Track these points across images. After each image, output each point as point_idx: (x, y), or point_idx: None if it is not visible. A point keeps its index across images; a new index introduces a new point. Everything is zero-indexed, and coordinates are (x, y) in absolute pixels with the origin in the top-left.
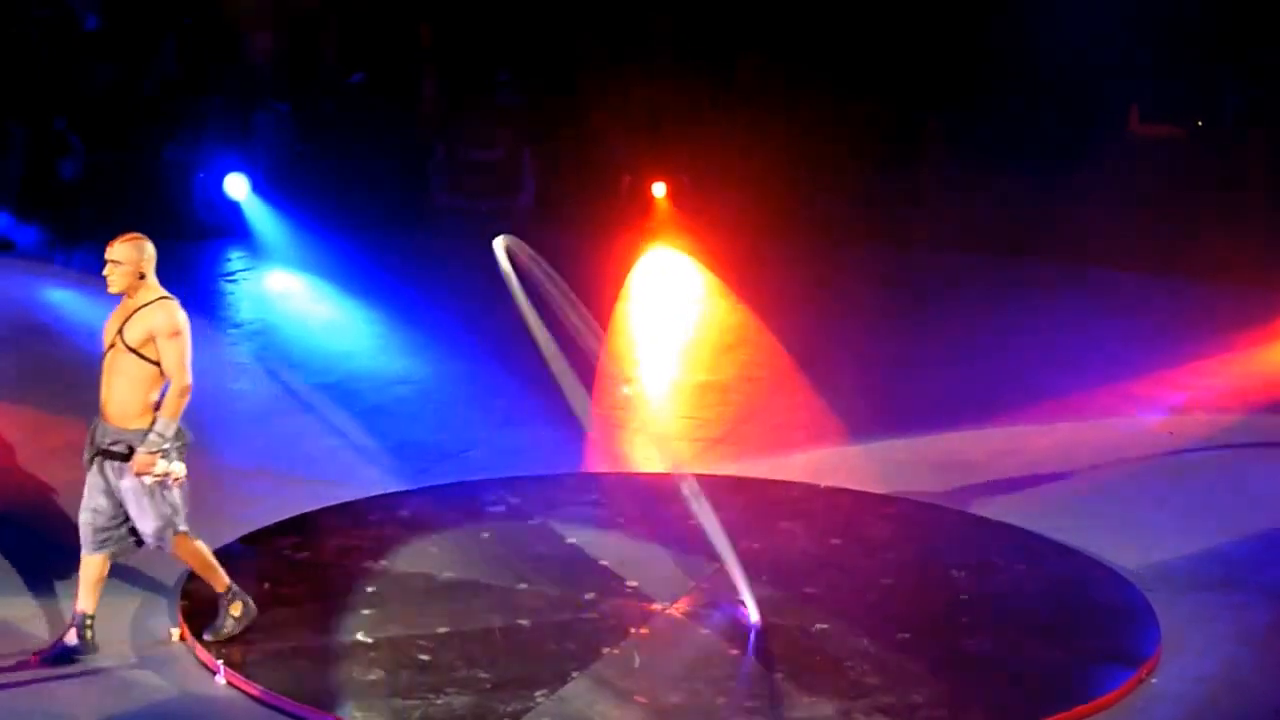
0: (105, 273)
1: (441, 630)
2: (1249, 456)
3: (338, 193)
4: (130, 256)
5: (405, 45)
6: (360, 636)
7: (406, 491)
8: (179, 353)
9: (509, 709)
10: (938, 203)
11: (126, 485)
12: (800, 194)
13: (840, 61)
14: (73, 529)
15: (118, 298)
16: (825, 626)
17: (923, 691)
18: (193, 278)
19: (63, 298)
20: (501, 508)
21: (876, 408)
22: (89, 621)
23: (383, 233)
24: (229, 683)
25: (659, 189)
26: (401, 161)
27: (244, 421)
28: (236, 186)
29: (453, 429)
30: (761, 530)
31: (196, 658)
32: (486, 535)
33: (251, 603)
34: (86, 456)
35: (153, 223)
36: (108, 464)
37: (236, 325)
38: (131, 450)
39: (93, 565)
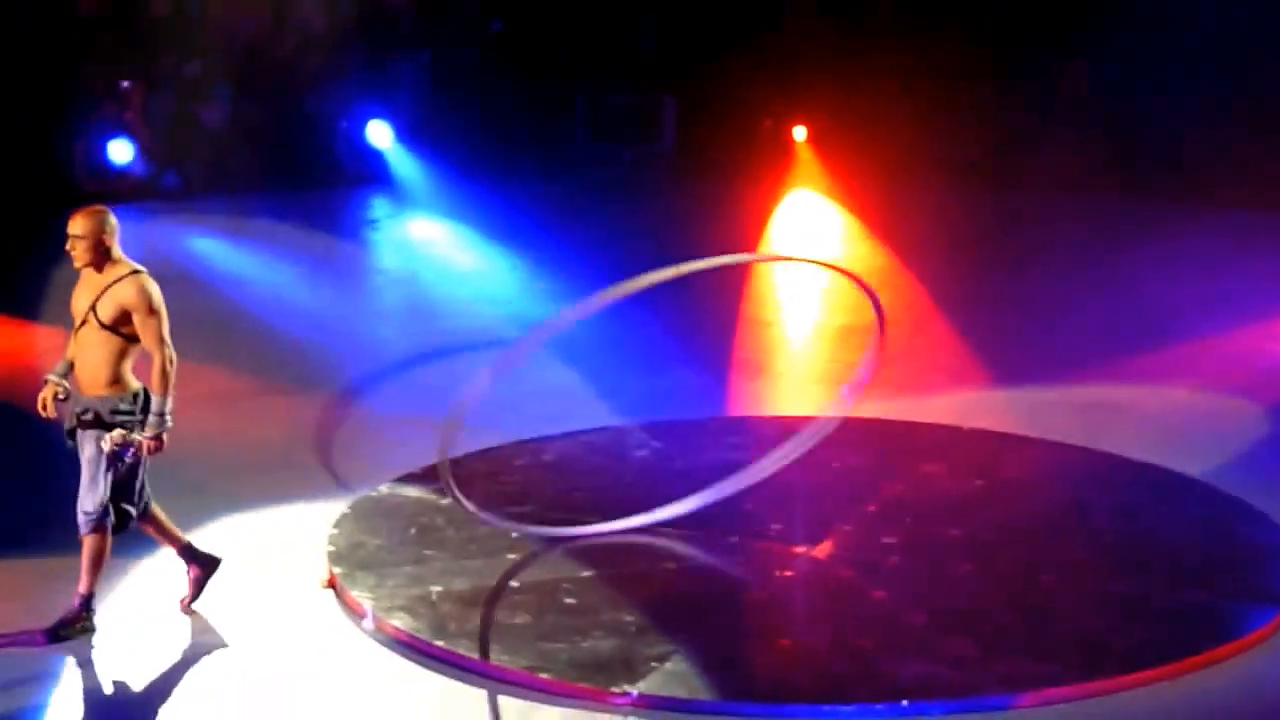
0: (68, 248)
1: (586, 574)
2: None
3: (480, 141)
4: (90, 229)
5: None
6: (505, 581)
7: (550, 437)
8: (158, 327)
9: (653, 652)
10: (1073, 143)
11: (88, 455)
12: (939, 136)
13: (974, 4)
14: (215, 467)
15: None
16: (968, 568)
17: (1066, 632)
18: (337, 225)
19: (205, 245)
20: (645, 452)
21: (1016, 350)
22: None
23: (525, 180)
24: (376, 627)
25: (799, 132)
26: (543, 110)
27: (390, 368)
28: (379, 134)
29: (596, 374)
30: (904, 472)
31: (344, 603)
32: (630, 479)
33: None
34: (66, 429)
35: (297, 171)
36: (92, 432)
37: (381, 272)
38: (98, 417)
39: (96, 541)
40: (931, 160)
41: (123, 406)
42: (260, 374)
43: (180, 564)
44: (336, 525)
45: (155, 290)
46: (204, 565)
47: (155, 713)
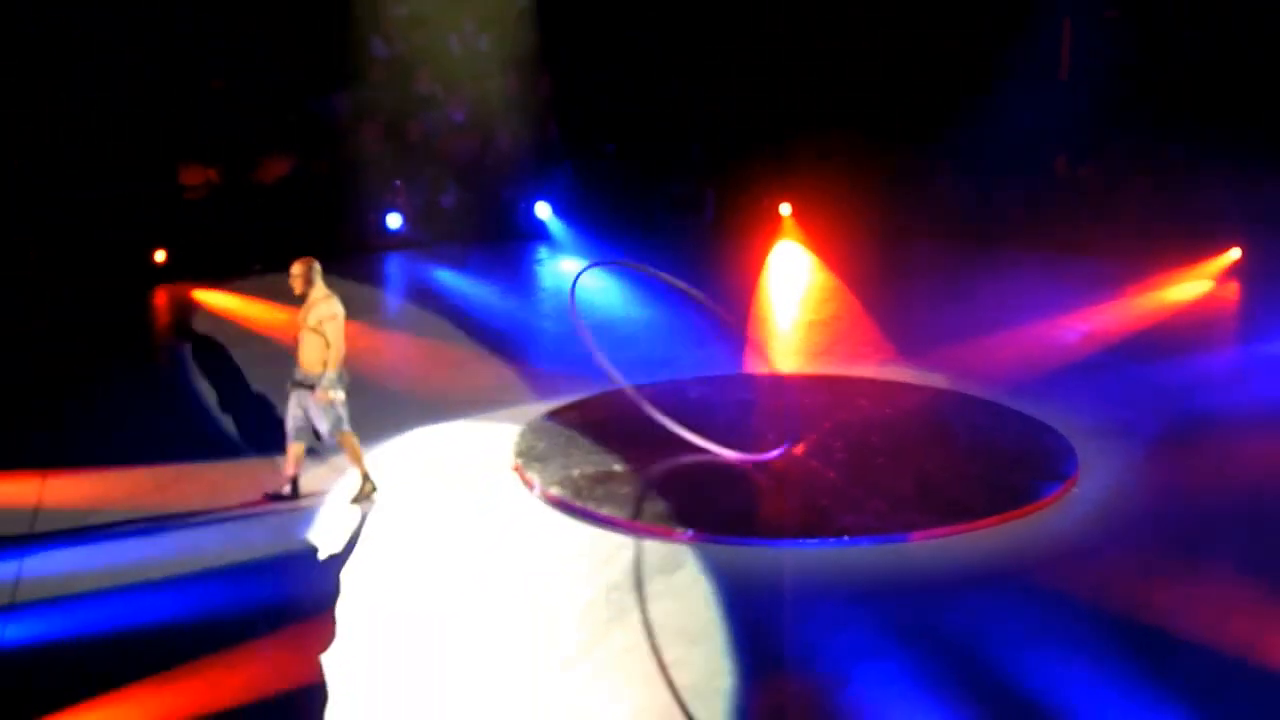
0: (290, 280)
1: (666, 463)
2: (1140, 357)
3: (600, 213)
4: (302, 272)
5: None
6: (616, 467)
7: (641, 384)
8: (336, 331)
9: (701, 508)
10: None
11: (310, 404)
12: (887, 207)
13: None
14: (449, 402)
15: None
16: (884, 460)
17: (939, 497)
18: (518, 263)
19: (442, 274)
20: (695, 394)
21: (911, 335)
22: (297, 481)
23: (626, 236)
24: (542, 495)
25: (785, 208)
26: (636, 195)
27: (549, 343)
28: (543, 210)
29: (666, 347)
30: (846, 404)
31: (522, 480)
32: (687, 410)
33: (376, 483)
34: (288, 386)
35: (495, 231)
36: (300, 391)
37: (543, 289)
38: (310, 385)
39: (296, 450)
40: (879, 224)
41: (314, 376)
42: (473, 348)
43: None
44: (520, 436)
45: (338, 307)
46: (362, 492)
47: (385, 544)
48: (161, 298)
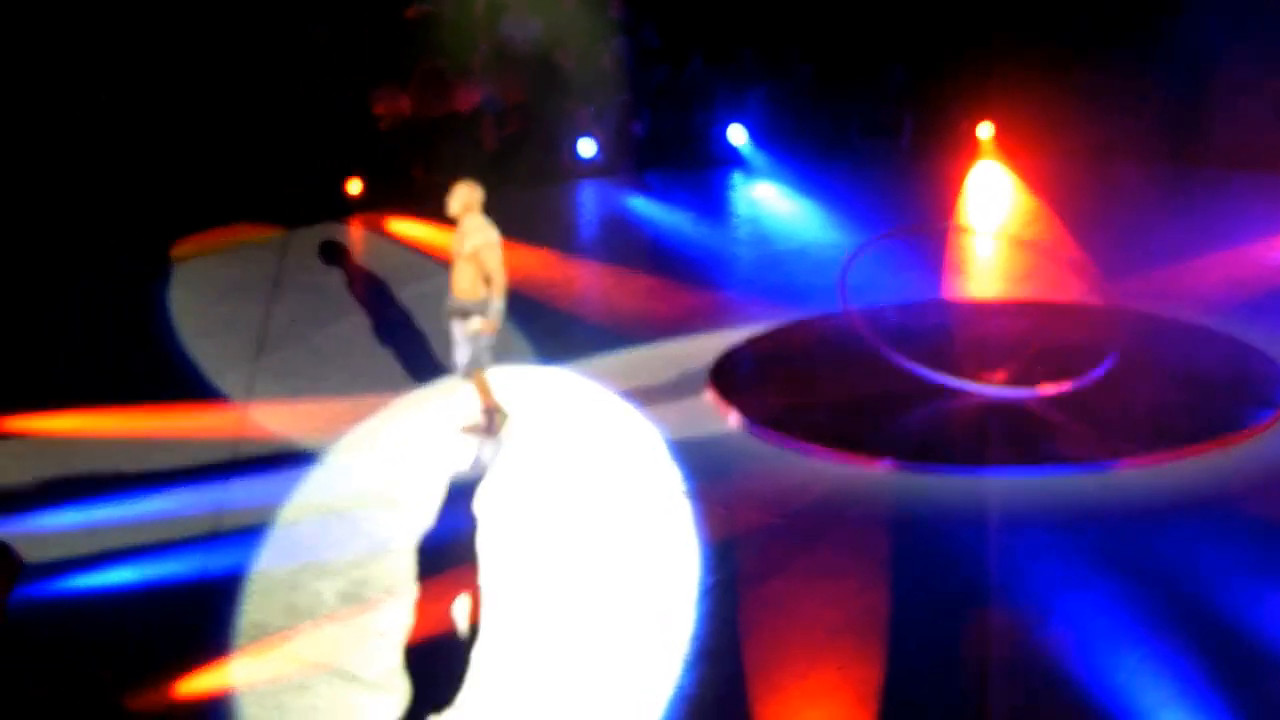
0: (449, 198)
1: (869, 392)
2: None
3: (796, 137)
4: (464, 193)
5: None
6: (814, 394)
7: (829, 314)
8: (497, 259)
9: (901, 434)
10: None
11: (457, 332)
12: (1093, 124)
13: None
14: (647, 327)
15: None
16: (1093, 387)
17: (1147, 423)
18: (713, 189)
19: (636, 201)
20: (895, 320)
21: (1118, 260)
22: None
23: (822, 162)
24: (737, 422)
25: (985, 129)
26: (833, 119)
27: (745, 270)
28: (738, 135)
29: (866, 274)
30: (1048, 331)
31: (718, 408)
32: (887, 338)
33: (507, 413)
34: (444, 314)
35: (691, 159)
36: (458, 320)
37: (738, 216)
38: (464, 310)
39: (480, 379)
40: (1070, 142)
41: (477, 305)
42: (667, 277)
43: (480, 412)
44: (716, 362)
45: (495, 235)
46: (489, 427)
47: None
48: (356, 229)
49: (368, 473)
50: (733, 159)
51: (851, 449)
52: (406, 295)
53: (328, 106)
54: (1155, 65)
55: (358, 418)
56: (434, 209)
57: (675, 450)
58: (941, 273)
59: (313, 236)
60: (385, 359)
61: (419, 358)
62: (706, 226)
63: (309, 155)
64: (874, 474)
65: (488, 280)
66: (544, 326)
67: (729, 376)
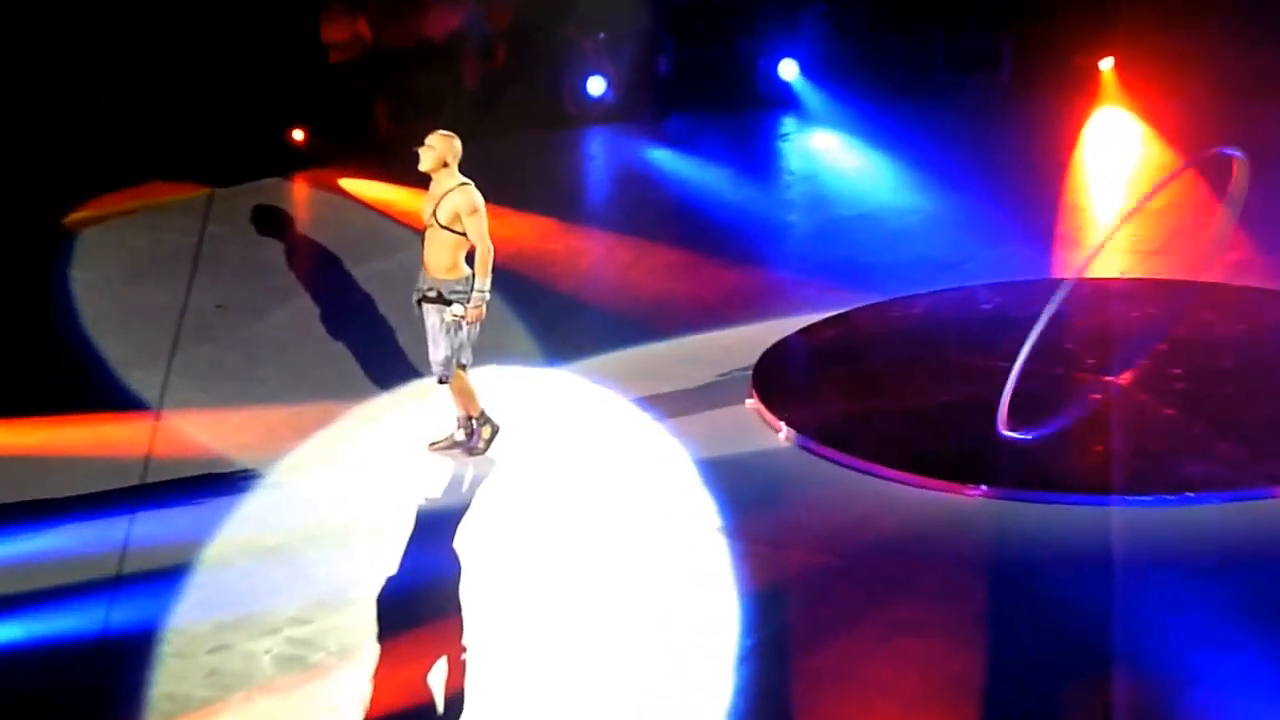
0: (420, 150)
1: (937, 401)
2: None
3: (862, 73)
4: (440, 145)
5: None
6: (887, 401)
7: (918, 294)
8: (479, 226)
9: (998, 455)
10: None
11: (431, 322)
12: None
13: None
14: (664, 314)
15: (428, 178)
16: (1236, 390)
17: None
18: (757, 138)
19: (659, 154)
20: (990, 305)
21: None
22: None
23: (896, 102)
24: (789, 437)
25: (1106, 63)
26: (911, 49)
27: (797, 242)
28: (789, 70)
29: (952, 246)
30: (1187, 319)
31: (763, 419)
32: (979, 328)
33: (496, 424)
34: (414, 299)
35: (729, 100)
36: (430, 306)
37: (790, 173)
38: (440, 294)
39: (460, 382)
40: (1216, 83)
41: (457, 287)
42: (697, 249)
43: (456, 424)
44: (759, 361)
45: (478, 197)
46: (471, 444)
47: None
48: (301, 188)
49: (315, 501)
50: (782, 99)
51: (933, 472)
52: (364, 274)
53: (263, 32)
54: None
55: (302, 431)
56: (400, 164)
57: (708, 473)
58: (1051, 244)
59: (244, 198)
60: (337, 356)
61: (380, 354)
62: (748, 186)
63: (239, 95)
64: (963, 503)
65: (469, 256)
66: (541, 315)
67: (776, 379)
